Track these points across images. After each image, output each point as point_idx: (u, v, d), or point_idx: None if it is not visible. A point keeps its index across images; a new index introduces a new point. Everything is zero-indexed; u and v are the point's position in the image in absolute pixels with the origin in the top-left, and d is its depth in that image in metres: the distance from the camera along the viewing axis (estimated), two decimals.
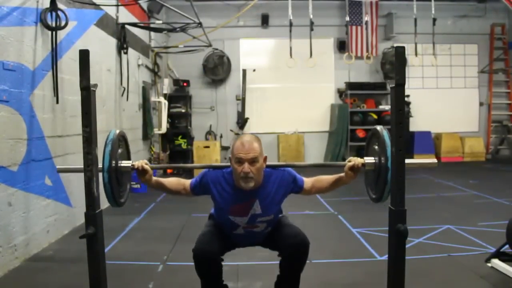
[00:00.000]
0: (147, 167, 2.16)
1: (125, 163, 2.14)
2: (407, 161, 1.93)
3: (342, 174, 2.23)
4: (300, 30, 7.74)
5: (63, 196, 4.12)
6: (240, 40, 9.81)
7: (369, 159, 2.14)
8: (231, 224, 2.29)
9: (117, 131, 2.15)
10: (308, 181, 2.34)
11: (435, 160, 2.24)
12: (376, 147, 2.12)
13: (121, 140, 2.24)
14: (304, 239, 2.23)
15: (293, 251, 2.22)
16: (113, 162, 2.04)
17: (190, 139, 9.25)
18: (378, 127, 2.11)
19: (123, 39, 6.05)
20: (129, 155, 2.31)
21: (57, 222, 3.96)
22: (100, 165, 2.00)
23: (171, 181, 2.34)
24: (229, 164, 2.25)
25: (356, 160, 2.14)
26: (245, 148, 2.11)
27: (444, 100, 10.00)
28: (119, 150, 2.16)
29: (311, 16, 7.13)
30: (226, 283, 2.46)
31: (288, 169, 2.32)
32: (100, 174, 1.99)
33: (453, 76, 10.21)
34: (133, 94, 6.80)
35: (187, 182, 2.33)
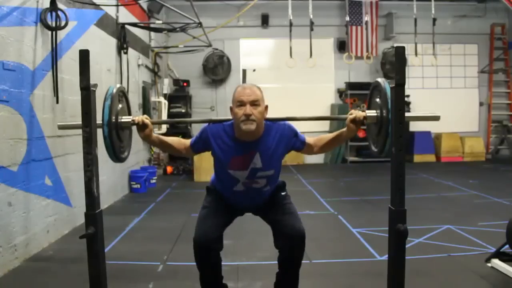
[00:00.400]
0: (147, 121, 2.13)
1: (125, 118, 2.13)
2: (408, 114, 1.96)
3: (344, 129, 2.19)
4: (300, 30, 7.75)
5: (63, 196, 4.12)
6: (240, 40, 9.82)
7: (371, 112, 2.09)
8: (231, 179, 2.24)
9: (118, 86, 2.13)
10: (310, 139, 2.31)
11: (438, 114, 2.14)
12: (378, 100, 2.07)
13: (121, 96, 2.21)
14: (299, 231, 2.19)
15: (287, 243, 2.20)
16: (113, 117, 2.02)
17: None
18: (380, 80, 2.06)
19: (123, 39, 6.05)
20: (129, 110, 2.28)
21: (57, 222, 3.96)
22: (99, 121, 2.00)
23: (173, 139, 2.32)
24: (229, 117, 2.21)
25: (357, 113, 2.10)
26: (246, 91, 2.09)
27: (444, 100, 10.00)
28: (119, 106, 2.14)
29: (311, 16, 7.13)
30: (226, 283, 2.46)
31: (289, 124, 2.27)
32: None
33: (453, 76, 10.22)
34: (133, 94, 6.80)
35: (187, 141, 2.32)
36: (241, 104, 2.08)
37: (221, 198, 2.35)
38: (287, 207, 2.33)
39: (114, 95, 2.04)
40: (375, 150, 2.15)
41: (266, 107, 2.17)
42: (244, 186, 2.25)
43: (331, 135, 2.28)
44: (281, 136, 2.21)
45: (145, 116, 2.17)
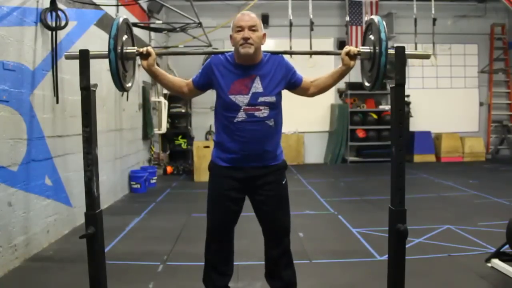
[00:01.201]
0: (151, 49, 2.22)
1: (130, 49, 2.22)
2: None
3: (339, 66, 2.28)
4: (300, 30, 7.74)
5: (63, 196, 4.12)
6: None
7: (364, 48, 2.19)
8: (232, 108, 2.22)
9: (123, 17, 2.20)
10: (306, 77, 2.39)
11: (429, 52, 2.26)
12: (371, 36, 2.14)
13: (127, 28, 2.28)
14: (283, 225, 2.38)
15: (274, 241, 2.38)
16: (119, 47, 2.10)
17: (190, 139, 9.25)
18: (374, 17, 2.15)
19: None
20: (133, 42, 2.33)
21: (57, 222, 3.96)
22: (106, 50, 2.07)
23: (175, 77, 2.40)
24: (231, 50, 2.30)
25: (351, 48, 2.22)
26: (245, 17, 2.20)
27: (444, 100, 10.00)
28: (124, 37, 2.21)
29: (311, 16, 7.13)
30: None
31: (286, 59, 2.37)
32: (106, 60, 2.05)
33: (453, 76, 10.21)
34: (133, 94, 6.79)
35: (190, 80, 2.36)
36: (240, 29, 2.17)
37: (223, 180, 2.33)
38: (279, 200, 2.38)
39: (120, 25, 2.10)
40: (367, 85, 2.24)
41: (264, 35, 2.28)
42: (245, 113, 2.22)
43: (327, 73, 2.35)
44: (279, 64, 2.30)
45: (150, 46, 2.25)
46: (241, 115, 2.22)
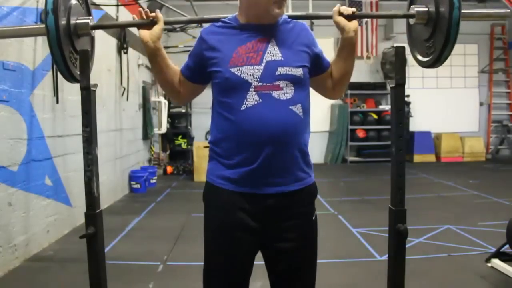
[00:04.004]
0: (160, 15, 1.56)
1: (82, 19, 1.68)
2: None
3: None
4: None
5: (63, 196, 4.12)
6: None
7: (420, 7, 1.68)
8: (237, 86, 1.43)
9: None
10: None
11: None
12: None
13: None
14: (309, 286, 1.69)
15: None
16: (63, 16, 1.57)
17: (190, 139, 9.25)
18: None
19: (123, 39, 6.05)
20: (89, 11, 1.82)
21: (57, 222, 3.96)
22: None
23: (176, 68, 1.62)
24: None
25: (343, 6, 1.60)
26: None
27: (444, 100, 10.00)
28: (73, 1, 1.67)
29: None
30: None
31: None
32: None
33: (453, 76, 10.21)
34: (133, 94, 6.80)
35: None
36: None
37: (224, 216, 1.48)
38: (313, 254, 1.71)
39: None
40: (423, 60, 1.78)
41: None
42: (258, 94, 1.42)
43: (333, 60, 1.65)
44: (301, 30, 1.58)
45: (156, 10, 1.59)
46: (252, 98, 1.41)
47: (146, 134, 7.60)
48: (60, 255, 3.54)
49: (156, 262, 3.34)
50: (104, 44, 5.44)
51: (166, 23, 1.61)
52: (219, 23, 1.56)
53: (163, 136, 8.87)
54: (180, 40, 8.33)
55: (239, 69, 1.42)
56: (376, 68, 9.85)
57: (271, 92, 1.42)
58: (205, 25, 1.70)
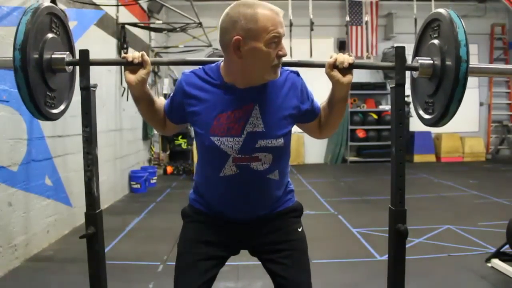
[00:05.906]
0: (147, 57, 1.48)
1: (59, 54, 1.61)
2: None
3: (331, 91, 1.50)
4: (300, 30, 7.74)
5: (63, 196, 4.12)
6: None
7: (424, 59, 1.58)
8: (217, 155, 1.42)
9: (46, 5, 1.60)
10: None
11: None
12: (436, 41, 1.54)
13: (56, 22, 1.65)
14: None
15: None
16: (35, 50, 1.51)
17: (190, 139, 9.24)
18: (442, 10, 1.49)
19: (123, 39, 6.05)
20: (71, 46, 1.74)
21: (57, 222, 3.96)
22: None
23: (161, 102, 1.59)
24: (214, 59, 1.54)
25: (340, 56, 1.44)
26: (280, 18, 1.33)
27: None
28: (49, 35, 1.60)
29: (311, 16, 7.13)
30: (226, 283, 2.46)
31: (301, 77, 1.51)
32: None
33: None
34: None
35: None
36: (278, 38, 1.32)
37: (201, 228, 1.55)
38: (301, 260, 1.56)
39: (40, 12, 1.52)
40: (426, 117, 1.64)
41: None
42: (236, 166, 1.42)
43: (322, 106, 1.57)
44: (291, 88, 1.45)
45: (143, 52, 1.51)
46: (230, 168, 1.43)
47: (146, 134, 7.60)
48: (60, 255, 3.54)
49: (156, 262, 3.34)
50: (104, 44, 5.44)
51: (153, 64, 1.55)
52: (201, 73, 1.47)
53: (163, 136, 8.87)
54: (180, 40, 8.33)
55: (219, 140, 1.40)
56: None
57: (249, 163, 1.42)
58: (186, 68, 1.60)
